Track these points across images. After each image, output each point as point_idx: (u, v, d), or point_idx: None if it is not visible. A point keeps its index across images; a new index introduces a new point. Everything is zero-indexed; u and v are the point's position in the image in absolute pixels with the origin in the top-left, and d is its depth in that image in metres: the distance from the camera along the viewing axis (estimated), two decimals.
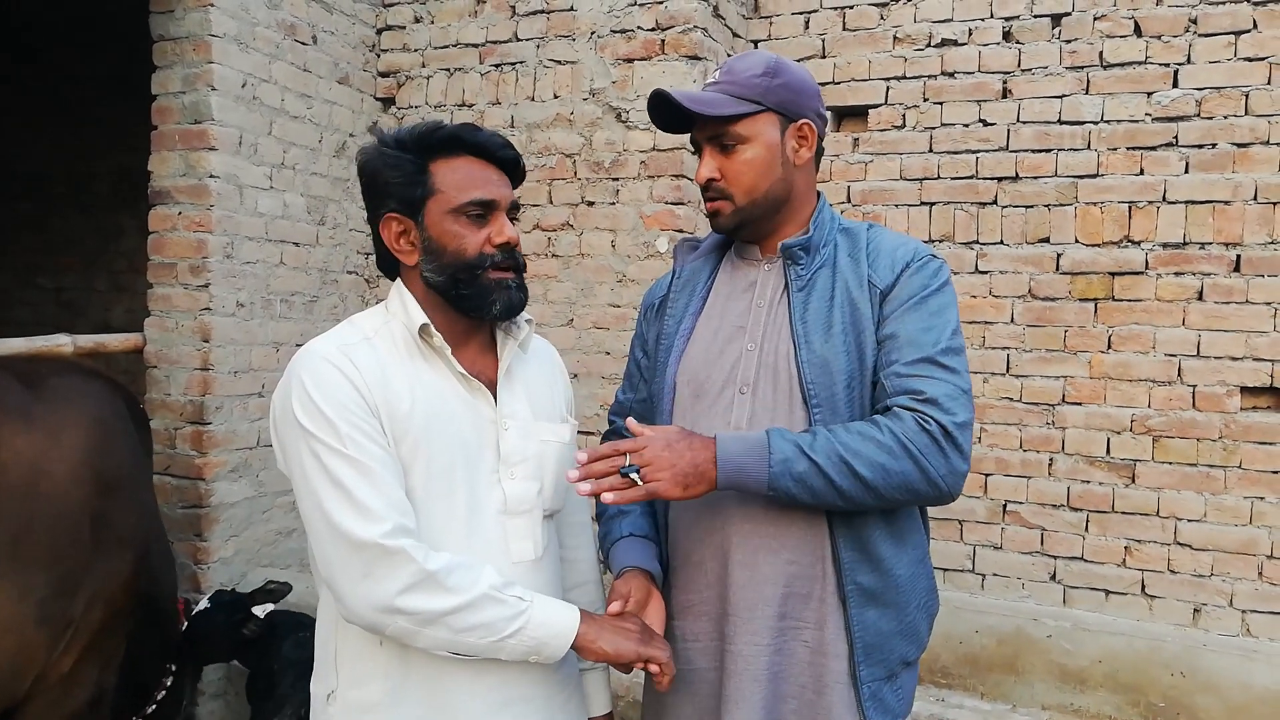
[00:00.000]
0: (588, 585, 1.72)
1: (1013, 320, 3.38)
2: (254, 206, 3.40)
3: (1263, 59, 3.09)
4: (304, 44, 3.56)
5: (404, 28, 3.92)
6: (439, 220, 1.43)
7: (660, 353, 1.66)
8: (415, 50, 3.90)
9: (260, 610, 2.74)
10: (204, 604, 2.77)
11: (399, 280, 1.51)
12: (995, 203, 3.41)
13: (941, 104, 3.47)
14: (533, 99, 3.70)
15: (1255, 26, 3.10)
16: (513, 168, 1.50)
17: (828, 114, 1.68)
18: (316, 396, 1.35)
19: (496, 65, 3.76)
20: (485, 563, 1.39)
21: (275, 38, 3.43)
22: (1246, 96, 3.12)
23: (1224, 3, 3.14)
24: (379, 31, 3.95)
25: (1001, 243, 3.39)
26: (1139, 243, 3.23)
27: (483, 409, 1.47)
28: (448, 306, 1.47)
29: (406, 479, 1.38)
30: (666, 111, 1.59)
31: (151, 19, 3.28)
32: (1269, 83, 3.09)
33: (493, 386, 1.49)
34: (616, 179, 3.55)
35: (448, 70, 3.85)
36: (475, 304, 1.45)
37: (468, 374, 1.46)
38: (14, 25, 5.42)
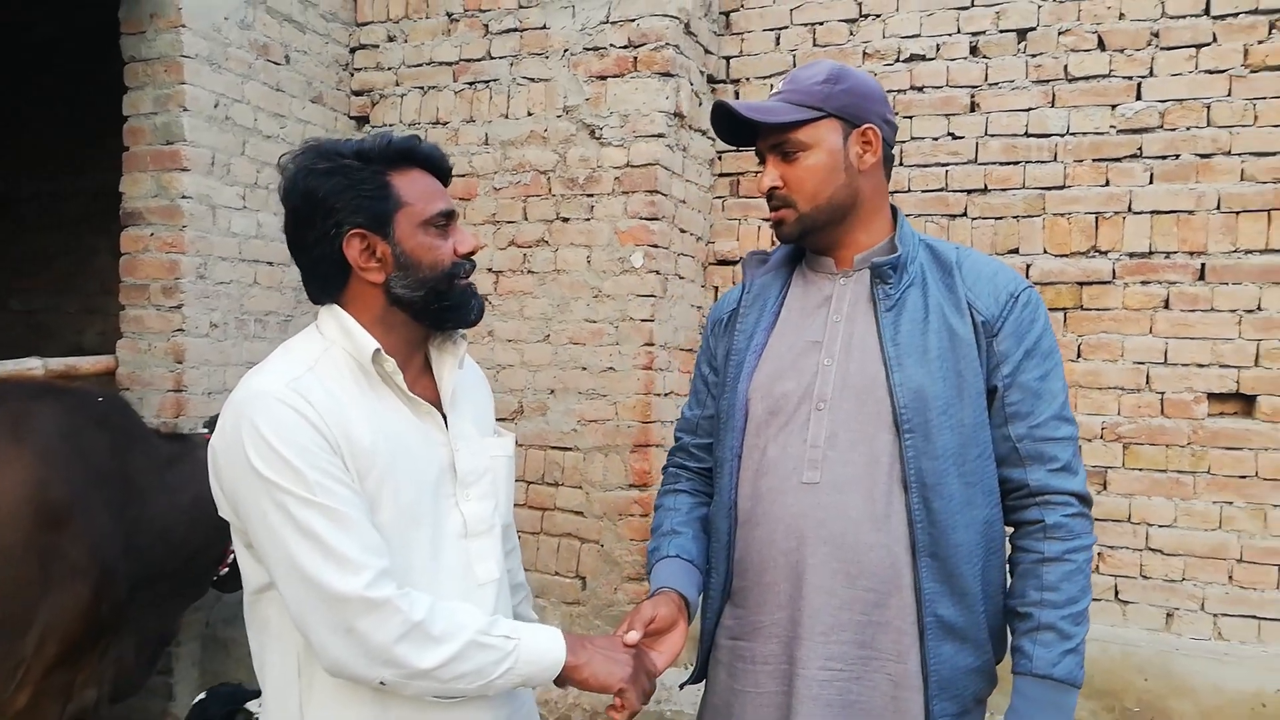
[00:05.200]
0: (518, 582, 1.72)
1: None
2: (227, 226, 3.39)
3: (1223, 71, 3.16)
4: (277, 64, 3.57)
5: (377, 46, 3.93)
6: (410, 233, 1.38)
7: (730, 369, 1.63)
8: (389, 69, 3.91)
9: (257, 704, 2.48)
10: (201, 695, 2.53)
11: (333, 305, 1.43)
12: (965, 215, 3.45)
13: (911, 118, 3.51)
14: (507, 116, 3.72)
15: (1215, 40, 3.17)
16: (449, 179, 1.49)
17: (896, 121, 1.67)
18: (275, 442, 1.26)
19: (470, 83, 3.77)
20: (462, 600, 1.36)
21: (248, 58, 3.43)
22: (1208, 108, 3.18)
23: (1184, 16, 3.20)
24: (352, 50, 3.96)
25: None
26: (1106, 253, 3.28)
27: (433, 433, 1.43)
28: (410, 323, 1.42)
29: (374, 515, 1.32)
30: (730, 123, 1.58)
31: (122, 40, 3.27)
32: (1229, 94, 3.15)
33: (436, 407, 1.45)
34: (591, 195, 3.57)
35: (421, 88, 3.86)
36: (455, 313, 1.42)
37: (417, 398, 1.42)
38: None
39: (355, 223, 1.37)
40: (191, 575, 2.80)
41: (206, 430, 2.94)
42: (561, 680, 1.39)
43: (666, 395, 3.59)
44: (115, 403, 2.81)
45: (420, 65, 3.86)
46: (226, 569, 2.81)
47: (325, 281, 1.42)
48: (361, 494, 1.31)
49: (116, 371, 3.31)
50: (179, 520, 2.65)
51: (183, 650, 3.42)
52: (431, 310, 1.41)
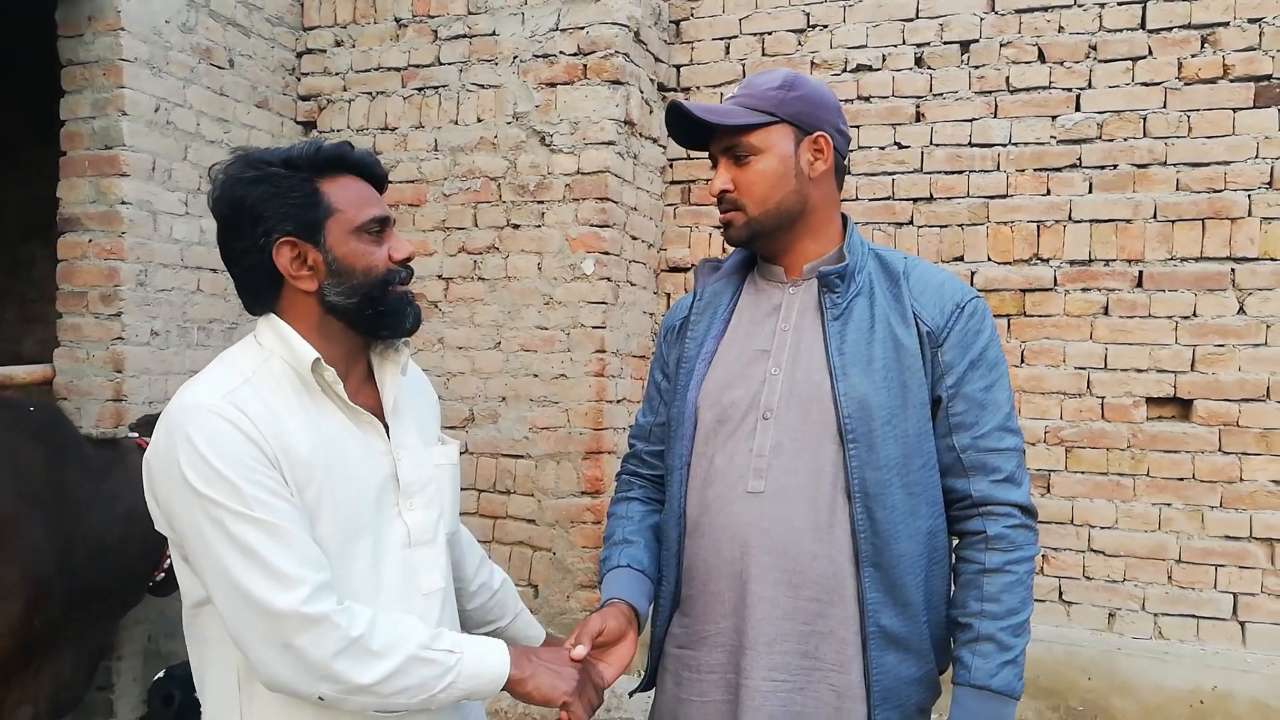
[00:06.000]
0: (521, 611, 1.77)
1: None
2: (169, 233, 3.33)
3: (1158, 83, 3.24)
4: (220, 68, 3.51)
5: (325, 51, 3.88)
6: (342, 240, 1.36)
7: (681, 376, 1.62)
8: (336, 74, 3.87)
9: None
10: (160, 674, 2.66)
11: (271, 315, 1.41)
12: (912, 223, 3.50)
13: (859, 127, 3.56)
14: (456, 122, 3.70)
15: (1150, 53, 3.25)
16: (383, 185, 1.48)
17: (849, 131, 1.67)
18: (210, 456, 1.24)
19: (419, 89, 3.75)
20: (406, 612, 1.35)
21: (190, 62, 3.37)
22: (1144, 119, 3.26)
23: (1121, 30, 3.28)
24: (299, 55, 3.91)
25: None
26: (1047, 260, 3.35)
27: (375, 442, 1.41)
28: (347, 332, 1.40)
29: (314, 527, 1.30)
30: (684, 124, 1.58)
31: (60, 43, 3.19)
32: (1164, 106, 3.24)
33: (378, 416, 1.44)
34: (542, 202, 3.56)
35: (370, 94, 3.82)
36: (391, 320, 1.41)
37: (358, 408, 1.40)
38: None
39: (284, 231, 1.35)
40: (128, 584, 2.75)
41: (135, 434, 2.89)
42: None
43: (618, 402, 3.59)
44: (48, 413, 2.74)
45: (368, 70, 3.82)
46: (162, 574, 2.77)
47: (258, 291, 1.40)
48: (300, 507, 1.29)
49: (54, 381, 3.23)
50: (115, 530, 2.60)
51: (124, 665, 3.34)
52: (366, 317, 1.39)
